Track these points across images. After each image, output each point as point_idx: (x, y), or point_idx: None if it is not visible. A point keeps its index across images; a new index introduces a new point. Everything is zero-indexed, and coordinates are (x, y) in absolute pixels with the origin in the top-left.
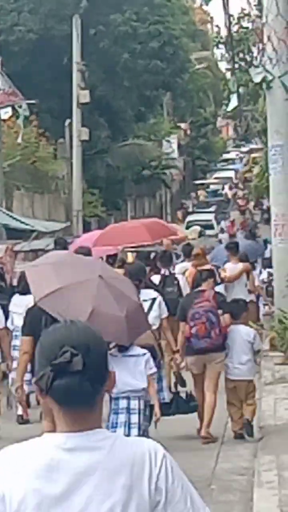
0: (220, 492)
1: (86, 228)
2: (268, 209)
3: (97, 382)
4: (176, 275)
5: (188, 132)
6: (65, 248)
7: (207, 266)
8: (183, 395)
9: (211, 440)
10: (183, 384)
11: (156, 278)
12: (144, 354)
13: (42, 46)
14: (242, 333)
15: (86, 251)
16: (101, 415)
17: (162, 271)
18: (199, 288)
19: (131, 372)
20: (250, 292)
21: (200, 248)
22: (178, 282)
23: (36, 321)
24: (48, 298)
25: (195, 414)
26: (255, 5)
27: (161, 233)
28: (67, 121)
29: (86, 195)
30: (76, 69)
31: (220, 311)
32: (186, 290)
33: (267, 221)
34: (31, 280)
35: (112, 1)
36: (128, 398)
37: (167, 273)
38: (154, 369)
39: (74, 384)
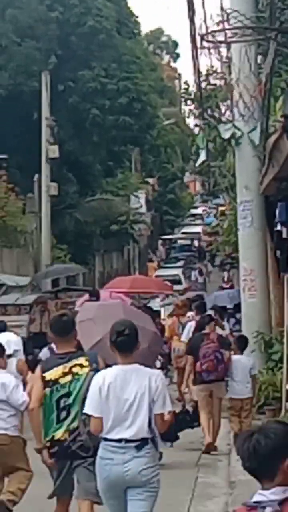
0: None
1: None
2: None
3: (134, 342)
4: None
5: (156, 187)
6: (98, 298)
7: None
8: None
9: (214, 449)
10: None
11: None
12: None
13: (11, 102)
14: (245, 361)
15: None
16: (136, 358)
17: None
18: (204, 332)
19: None
20: None
21: (181, 300)
22: None
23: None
24: (95, 348)
25: None
26: (224, 62)
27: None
28: (36, 176)
29: (54, 250)
30: (45, 124)
31: (223, 350)
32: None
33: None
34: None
35: (81, 57)
36: None
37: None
38: None
39: (125, 339)
